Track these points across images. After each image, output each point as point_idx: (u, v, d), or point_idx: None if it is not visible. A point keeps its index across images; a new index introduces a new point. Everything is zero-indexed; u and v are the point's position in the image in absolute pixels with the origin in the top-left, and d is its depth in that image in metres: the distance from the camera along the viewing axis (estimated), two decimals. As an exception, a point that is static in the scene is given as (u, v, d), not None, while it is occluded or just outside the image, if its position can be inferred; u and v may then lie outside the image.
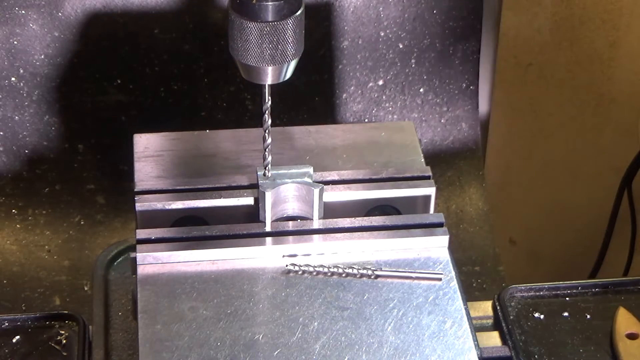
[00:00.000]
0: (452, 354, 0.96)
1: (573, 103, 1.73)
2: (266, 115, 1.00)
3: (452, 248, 1.07)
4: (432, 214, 1.10)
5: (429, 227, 1.07)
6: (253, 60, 0.92)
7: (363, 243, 1.05)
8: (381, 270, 1.03)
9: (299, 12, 0.90)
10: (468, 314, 1.00)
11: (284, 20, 0.89)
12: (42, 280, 1.49)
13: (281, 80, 0.95)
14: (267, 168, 1.04)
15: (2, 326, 1.11)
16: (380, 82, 1.57)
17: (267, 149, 1.03)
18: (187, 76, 1.52)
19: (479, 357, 0.97)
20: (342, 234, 1.06)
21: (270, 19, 0.89)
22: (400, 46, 1.55)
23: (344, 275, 1.03)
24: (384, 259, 1.05)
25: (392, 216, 1.09)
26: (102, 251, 1.29)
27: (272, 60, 0.92)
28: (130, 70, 1.50)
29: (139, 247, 1.04)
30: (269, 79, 0.94)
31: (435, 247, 1.06)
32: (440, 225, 1.08)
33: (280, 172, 1.05)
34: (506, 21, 1.63)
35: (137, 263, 1.03)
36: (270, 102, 0.99)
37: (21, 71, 1.48)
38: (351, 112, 1.58)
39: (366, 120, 1.58)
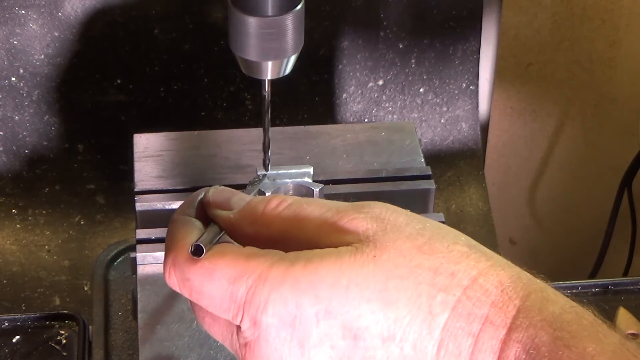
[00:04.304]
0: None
1: (573, 103, 1.73)
2: (266, 111, 1.00)
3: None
4: (432, 214, 1.10)
5: (429, 227, 1.07)
6: (253, 55, 0.92)
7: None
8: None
9: (299, 6, 0.90)
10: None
11: (284, 15, 0.89)
12: (42, 280, 1.49)
13: (281, 75, 0.95)
14: (267, 168, 1.04)
15: (2, 326, 1.11)
16: (380, 82, 1.57)
17: (267, 148, 1.03)
18: (187, 76, 1.52)
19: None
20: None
21: (270, 14, 0.89)
22: (400, 46, 1.55)
23: (344, 275, 1.03)
24: (384, 258, 1.05)
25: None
26: (102, 251, 1.29)
27: (271, 55, 0.92)
28: (130, 70, 1.50)
29: (139, 247, 1.04)
30: (268, 74, 0.94)
31: (435, 247, 1.06)
32: (440, 225, 1.07)
33: (280, 172, 1.05)
34: (506, 21, 1.63)
35: (137, 263, 1.03)
36: (270, 98, 0.99)
37: (21, 71, 1.48)
38: (351, 112, 1.58)
39: (366, 120, 1.58)
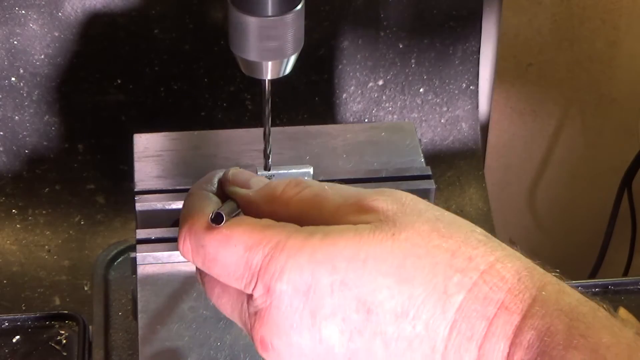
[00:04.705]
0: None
1: (573, 103, 1.73)
2: (266, 111, 1.00)
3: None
4: (432, 214, 1.09)
5: (429, 227, 1.07)
6: (253, 55, 0.92)
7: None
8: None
9: (299, 6, 0.90)
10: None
11: (284, 15, 0.89)
12: (42, 280, 1.49)
13: (281, 75, 0.95)
14: (267, 168, 1.04)
15: (2, 326, 1.11)
16: (380, 82, 1.57)
17: (268, 148, 1.03)
18: (187, 76, 1.52)
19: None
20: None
21: (270, 14, 0.89)
22: (400, 46, 1.55)
23: (344, 275, 1.03)
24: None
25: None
26: (102, 251, 1.29)
27: (271, 55, 0.92)
28: (130, 70, 1.50)
29: (139, 247, 1.04)
30: (268, 74, 0.94)
31: (435, 247, 1.06)
32: (440, 225, 1.07)
33: (280, 172, 1.05)
34: (506, 21, 1.63)
35: (137, 263, 1.03)
36: (270, 98, 0.99)
37: (21, 71, 1.48)
38: (351, 112, 1.58)
39: (366, 120, 1.58)
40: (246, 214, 0.72)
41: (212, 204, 0.71)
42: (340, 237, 0.65)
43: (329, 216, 0.68)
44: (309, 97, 1.56)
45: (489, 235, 0.68)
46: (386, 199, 0.68)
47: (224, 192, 0.74)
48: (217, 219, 0.68)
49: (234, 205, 0.72)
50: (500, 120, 1.73)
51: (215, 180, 0.74)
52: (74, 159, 1.53)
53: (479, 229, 0.69)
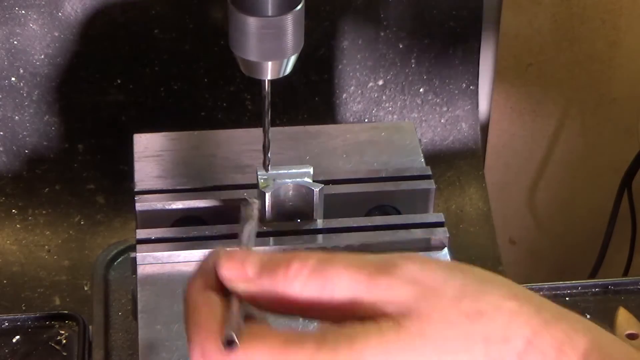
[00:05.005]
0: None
1: (573, 103, 1.73)
2: (266, 111, 1.00)
3: (452, 248, 1.07)
4: (432, 214, 1.10)
5: (429, 227, 1.07)
6: (253, 55, 0.92)
7: (363, 243, 1.05)
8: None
9: (299, 6, 0.90)
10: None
11: (284, 15, 0.89)
12: (42, 280, 1.49)
13: (281, 75, 0.95)
14: (267, 169, 1.04)
15: (2, 326, 1.11)
16: (380, 82, 1.57)
17: (267, 148, 1.03)
18: (187, 76, 1.52)
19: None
20: (342, 234, 1.06)
21: (270, 14, 0.89)
22: (400, 46, 1.55)
23: (344, 275, 1.03)
24: (384, 259, 1.05)
25: (392, 216, 1.09)
26: (102, 251, 1.29)
27: (271, 55, 0.92)
28: (130, 70, 1.50)
29: (139, 247, 1.04)
30: (268, 74, 0.94)
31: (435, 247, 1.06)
32: (440, 225, 1.07)
33: (280, 172, 1.05)
34: (506, 21, 1.63)
35: (137, 263, 1.03)
36: (269, 98, 0.99)
37: (21, 71, 1.48)
38: (351, 112, 1.58)
39: (366, 120, 1.58)
40: (253, 304, 0.65)
41: (216, 308, 0.64)
42: (366, 344, 0.60)
43: (343, 307, 0.63)
44: (309, 97, 1.56)
45: (519, 292, 0.64)
46: (401, 282, 0.62)
47: (220, 281, 0.66)
48: (230, 344, 0.62)
49: (238, 304, 0.65)
50: (500, 120, 1.73)
51: (209, 271, 0.66)
52: (74, 159, 1.53)
53: (505, 287, 0.63)
